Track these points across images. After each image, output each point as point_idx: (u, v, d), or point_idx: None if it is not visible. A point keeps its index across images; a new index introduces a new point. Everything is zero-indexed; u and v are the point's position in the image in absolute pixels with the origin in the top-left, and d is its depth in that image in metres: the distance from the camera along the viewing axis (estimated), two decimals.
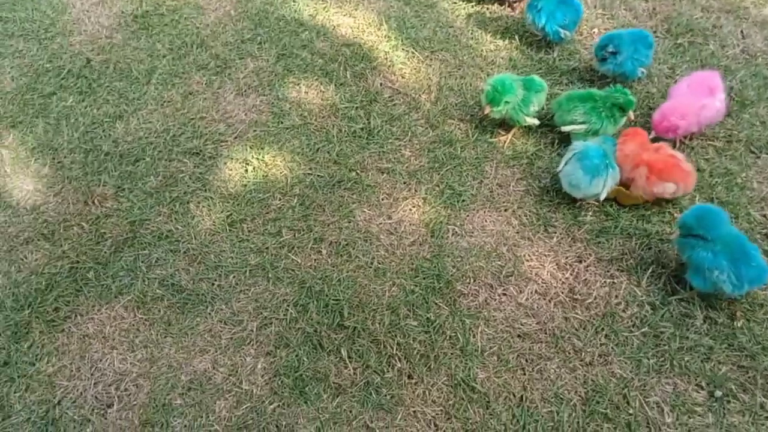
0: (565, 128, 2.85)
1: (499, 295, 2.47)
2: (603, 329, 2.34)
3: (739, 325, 2.33)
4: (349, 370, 2.27)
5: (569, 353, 2.29)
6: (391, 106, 3.19)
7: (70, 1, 3.93)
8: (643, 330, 2.32)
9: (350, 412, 2.17)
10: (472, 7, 3.67)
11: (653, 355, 2.27)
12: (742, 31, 3.50)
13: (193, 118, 3.17)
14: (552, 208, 2.73)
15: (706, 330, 2.32)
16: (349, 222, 2.72)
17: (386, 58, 3.44)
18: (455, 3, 3.71)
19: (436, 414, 2.16)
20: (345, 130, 3.09)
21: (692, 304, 2.38)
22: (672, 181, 2.53)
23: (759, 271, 2.20)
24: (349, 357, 2.30)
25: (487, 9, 3.66)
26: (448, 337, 2.34)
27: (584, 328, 2.35)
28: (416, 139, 3.04)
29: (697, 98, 2.78)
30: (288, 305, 2.45)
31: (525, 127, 3.00)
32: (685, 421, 2.11)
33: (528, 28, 3.51)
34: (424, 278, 2.52)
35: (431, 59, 3.42)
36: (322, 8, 3.75)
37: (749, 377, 2.20)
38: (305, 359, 2.29)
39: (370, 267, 2.56)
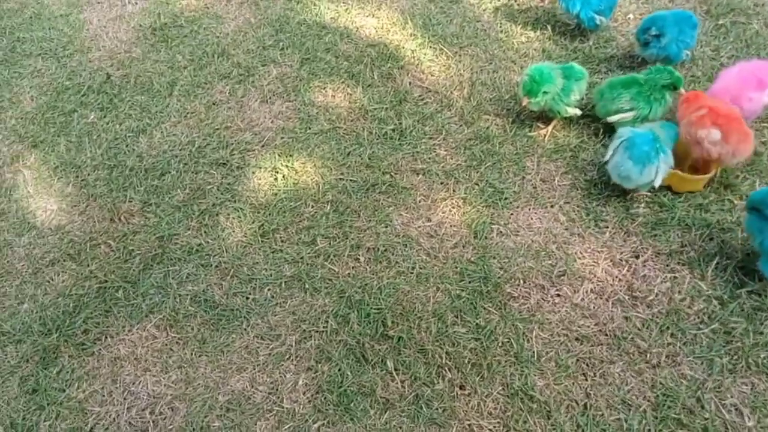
0: (612, 118, 2.72)
1: (552, 297, 2.33)
2: (668, 328, 2.19)
3: None
4: (396, 383, 2.15)
5: (633, 355, 2.14)
6: (422, 105, 3.09)
7: (87, 18, 3.91)
8: (712, 327, 2.17)
9: (400, 428, 2.05)
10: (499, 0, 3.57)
11: (726, 353, 2.11)
12: None
13: (218, 128, 3.11)
14: (601, 201, 2.59)
15: None
16: (386, 227, 2.61)
17: (413, 57, 3.34)
18: None
19: (493, 426, 2.03)
20: (376, 132, 2.99)
21: (764, 297, 2.22)
22: (721, 129, 2.36)
23: None
24: (396, 369, 2.18)
25: (515, 1, 3.55)
26: (500, 344, 2.21)
27: (647, 328, 2.20)
28: (451, 138, 2.93)
29: (745, 90, 2.63)
30: (327, 316, 2.34)
31: (566, 118, 2.88)
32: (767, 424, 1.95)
33: (561, 17, 3.40)
34: (470, 282, 2.40)
35: (460, 55, 3.32)
36: (344, 10, 3.68)
37: None
38: (349, 373, 2.18)
39: (412, 273, 2.45)
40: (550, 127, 2.89)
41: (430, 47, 3.39)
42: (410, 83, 3.22)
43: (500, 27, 3.47)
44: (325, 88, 3.24)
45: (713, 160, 2.44)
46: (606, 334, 2.21)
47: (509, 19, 3.50)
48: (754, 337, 2.14)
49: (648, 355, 2.14)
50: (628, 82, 2.71)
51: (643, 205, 2.57)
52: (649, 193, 2.58)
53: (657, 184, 2.44)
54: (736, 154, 2.42)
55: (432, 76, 3.25)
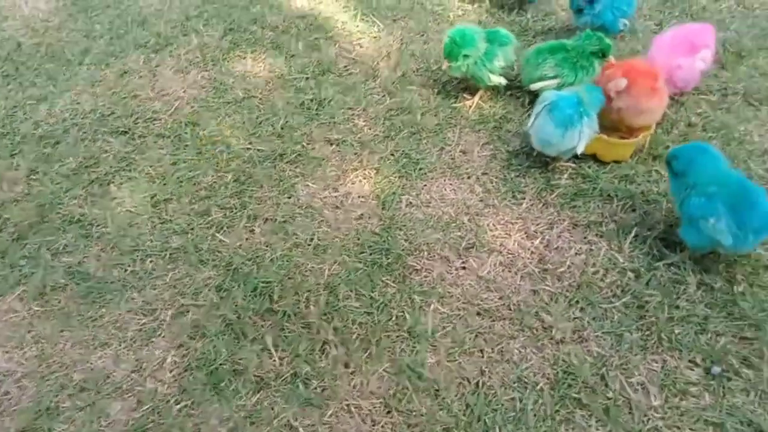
0: (534, 86, 2.57)
1: (456, 269, 2.16)
2: (578, 302, 2.02)
3: (740, 290, 1.99)
4: (274, 360, 1.96)
5: (537, 330, 1.96)
6: (345, 76, 2.94)
7: None
8: (624, 300, 1.99)
9: (272, 409, 1.86)
10: None
11: (637, 328, 1.93)
12: None
13: (125, 97, 2.94)
14: (521, 172, 2.43)
15: (700, 297, 1.99)
16: (290, 197, 2.44)
17: (343, 28, 3.20)
18: None
19: (374, 407, 1.84)
20: (293, 102, 2.83)
21: (684, 269, 2.05)
22: (628, 79, 2.26)
23: (766, 219, 1.87)
24: (276, 345, 1.99)
25: None
26: (394, 318, 2.03)
27: (555, 301, 2.02)
28: (372, 108, 2.77)
29: (674, 56, 2.48)
30: (210, 290, 2.15)
31: (492, 88, 2.72)
32: (677, 403, 1.77)
33: None
34: (371, 254, 2.22)
35: (393, 27, 3.17)
36: None
37: (753, 350, 1.85)
38: (224, 350, 1.99)
39: (309, 244, 2.27)
40: (476, 98, 2.73)
41: (363, 20, 3.24)
42: (336, 54, 3.07)
43: (438, 1, 3.33)
44: (245, 57, 3.09)
45: (621, 118, 2.31)
46: (510, 308, 2.03)
47: None
48: (669, 311, 1.96)
49: (552, 331, 1.96)
50: (554, 48, 2.57)
51: (565, 176, 2.40)
52: (572, 165, 2.42)
53: (580, 150, 2.28)
54: (640, 107, 2.28)
55: (361, 47, 3.10)
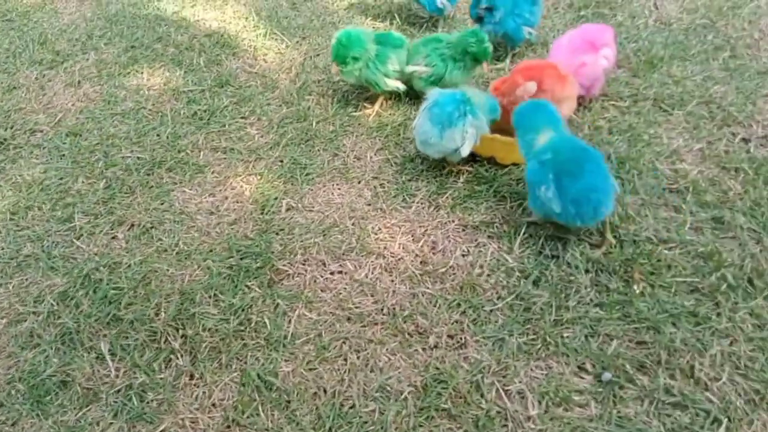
0: (408, 68, 2.47)
1: (331, 273, 1.96)
2: (459, 304, 1.82)
3: (638, 290, 1.81)
4: (109, 370, 1.72)
5: (410, 335, 1.75)
6: (244, 88, 2.81)
7: None
8: (508, 301, 1.80)
9: (97, 424, 1.60)
10: None
11: (522, 332, 1.73)
12: (655, 3, 3.19)
13: (9, 111, 2.78)
14: (414, 176, 2.28)
15: (593, 298, 1.80)
16: (162, 203, 2.25)
17: (249, 45, 3.10)
18: None
19: (214, 421, 1.59)
20: (184, 113, 2.69)
21: (576, 269, 1.87)
22: (534, 79, 2.12)
23: (588, 188, 1.79)
24: (113, 355, 1.75)
25: None
26: (252, 324, 1.81)
27: (434, 305, 1.82)
28: (266, 117, 2.63)
29: (576, 55, 2.40)
30: (52, 297, 1.92)
31: (391, 94, 2.60)
32: (559, 413, 1.55)
33: (416, 10, 3.21)
34: (241, 258, 2.02)
35: (301, 44, 3.08)
36: (189, 4, 3.46)
37: (650, 354, 1.67)
38: (55, 360, 1.75)
39: (174, 250, 2.07)
40: (375, 106, 2.61)
41: (271, 38, 3.16)
42: (237, 68, 2.96)
43: (350, 20, 3.27)
44: (142, 72, 2.96)
45: None
46: (384, 313, 1.83)
47: (361, 12, 3.32)
48: (558, 312, 1.77)
49: (428, 335, 1.75)
50: (430, 39, 2.54)
51: (462, 179, 2.25)
52: (470, 168, 2.27)
53: (465, 151, 2.13)
54: (557, 97, 2.16)
55: (265, 62, 2.99)
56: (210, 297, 1.91)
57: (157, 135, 2.58)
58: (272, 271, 1.98)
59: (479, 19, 2.76)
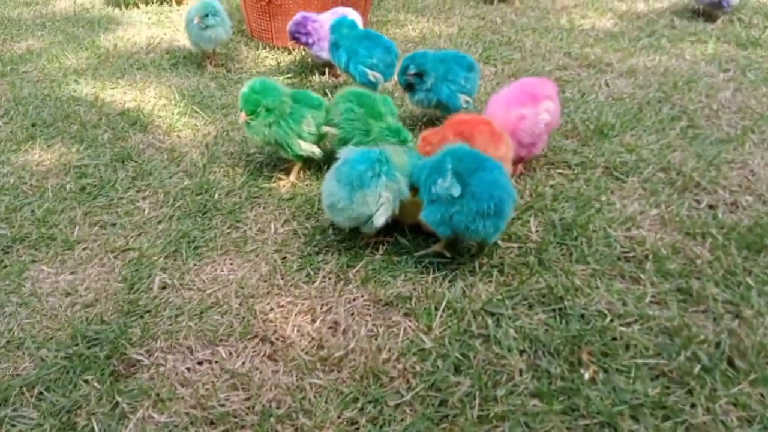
0: (324, 128, 2.19)
1: (198, 363, 1.55)
2: (356, 398, 1.41)
3: (587, 376, 1.42)
4: None
5: None
6: (147, 162, 2.52)
7: None
8: (419, 392, 1.40)
9: None
10: (290, 78, 3.22)
11: (429, 430, 1.31)
12: (606, 81, 3.05)
13: None
14: (324, 247, 1.94)
15: (529, 386, 1.41)
16: (9, 283, 1.86)
17: (163, 122, 2.86)
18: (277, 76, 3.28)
19: None
20: (69, 188, 2.37)
21: (509, 350, 1.49)
22: (464, 137, 1.87)
23: (490, 183, 1.65)
24: None
25: (310, 80, 3.21)
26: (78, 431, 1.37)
27: (324, 399, 1.41)
28: (162, 190, 2.31)
29: (514, 108, 2.17)
30: None
31: (307, 161, 2.32)
32: None
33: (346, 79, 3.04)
34: (88, 346, 1.61)
35: (221, 121, 2.84)
36: (110, 86, 3.26)
37: None
38: None
39: (3, 338, 1.65)
40: (291, 176, 2.32)
41: (190, 115, 2.92)
42: (144, 143, 2.69)
43: None
44: (35, 149, 2.67)
45: None
46: (256, 412, 1.40)
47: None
48: (483, 406, 1.37)
49: None
50: (362, 99, 2.19)
51: (381, 250, 1.91)
52: (389, 238, 1.93)
53: (379, 221, 1.79)
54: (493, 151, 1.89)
55: (178, 138, 2.73)
56: (32, 396, 1.48)
57: (31, 211, 2.24)
58: (121, 361, 1.56)
59: (409, 87, 2.54)
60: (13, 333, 1.68)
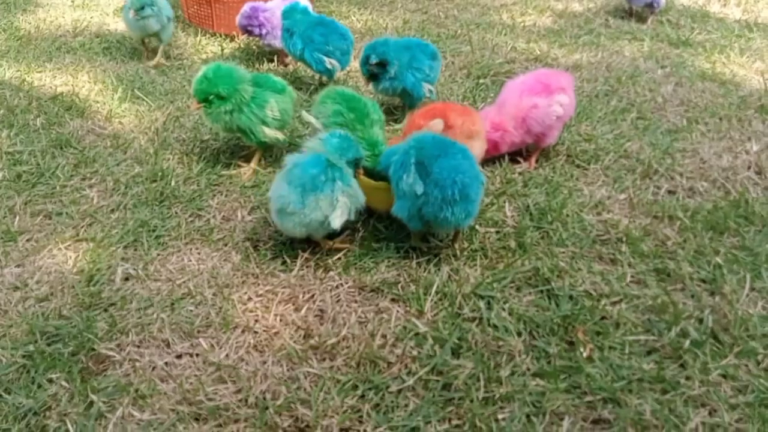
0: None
1: (177, 357, 1.45)
2: (356, 386, 1.35)
3: (585, 354, 1.42)
4: None
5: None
6: (88, 149, 2.34)
7: None
8: (421, 376, 1.36)
9: None
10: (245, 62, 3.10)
11: (443, 417, 1.28)
12: None
13: None
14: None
15: (530, 366, 1.40)
16: None
17: (102, 108, 2.67)
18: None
19: None
20: (3, 176, 2.16)
21: (505, 331, 1.47)
22: (442, 117, 1.84)
23: (452, 168, 1.61)
24: None
25: (257, 68, 3.09)
26: None
27: (321, 388, 1.34)
28: (111, 177, 2.16)
29: (527, 97, 2.18)
30: None
31: (269, 147, 2.22)
32: None
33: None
34: (48, 343, 1.47)
35: (166, 107, 2.69)
36: (36, 69, 3.02)
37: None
38: None
39: None
40: (252, 163, 2.22)
41: (131, 101, 2.74)
42: (83, 129, 2.50)
43: None
44: None
45: None
46: (250, 405, 1.32)
47: None
48: (487, 388, 1.34)
49: (312, 431, 1.25)
50: (351, 102, 2.02)
51: (357, 239, 1.85)
52: (359, 225, 1.88)
53: (336, 223, 1.67)
54: (468, 132, 1.91)
55: (120, 124, 2.56)
56: None
57: None
58: (90, 357, 1.44)
59: (372, 77, 2.49)
60: None
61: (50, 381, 1.37)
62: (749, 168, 2.27)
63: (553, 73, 2.30)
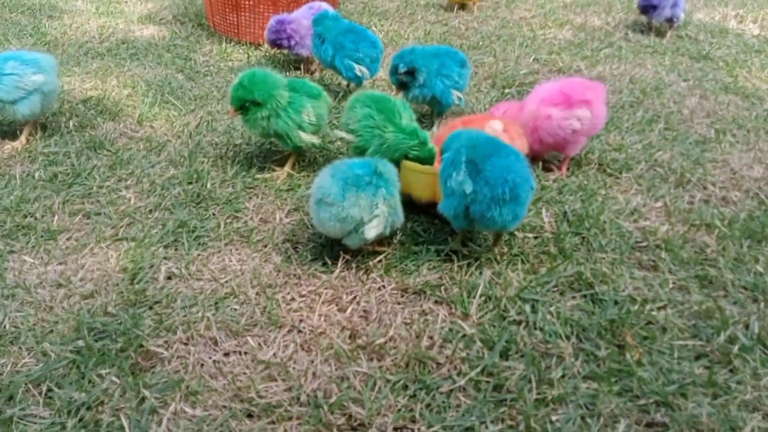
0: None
1: (224, 354, 1.44)
2: (406, 386, 1.34)
3: (634, 357, 1.42)
4: None
5: (341, 431, 1.23)
6: (122, 151, 2.35)
7: None
8: (472, 377, 1.35)
9: None
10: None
11: (496, 418, 1.27)
12: None
13: None
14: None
15: (581, 369, 1.39)
16: None
17: (133, 112, 2.69)
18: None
19: None
20: (39, 176, 2.17)
21: (553, 335, 1.46)
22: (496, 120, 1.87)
23: (504, 167, 1.60)
24: None
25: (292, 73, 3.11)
26: (103, 429, 1.23)
27: (372, 388, 1.34)
28: (147, 179, 2.16)
29: (544, 106, 2.17)
30: None
31: (302, 150, 2.23)
32: None
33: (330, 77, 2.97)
34: (96, 339, 1.46)
35: (197, 112, 2.70)
36: (64, 74, 3.04)
37: None
38: None
39: None
40: (286, 167, 2.22)
41: (161, 106, 2.76)
42: (115, 132, 2.51)
43: None
44: None
45: None
46: (302, 402, 1.31)
47: None
48: (539, 389, 1.33)
49: (366, 429, 1.24)
50: (382, 104, 2.02)
51: (395, 239, 1.85)
52: (400, 228, 1.88)
53: (371, 232, 1.64)
54: (514, 135, 1.90)
55: (151, 128, 2.57)
56: (40, 393, 1.32)
57: None
58: (139, 353, 1.43)
59: (402, 86, 2.51)
60: (4, 326, 1.50)
61: (100, 376, 1.37)
62: None
63: (581, 83, 2.22)
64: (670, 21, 3.88)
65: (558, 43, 3.75)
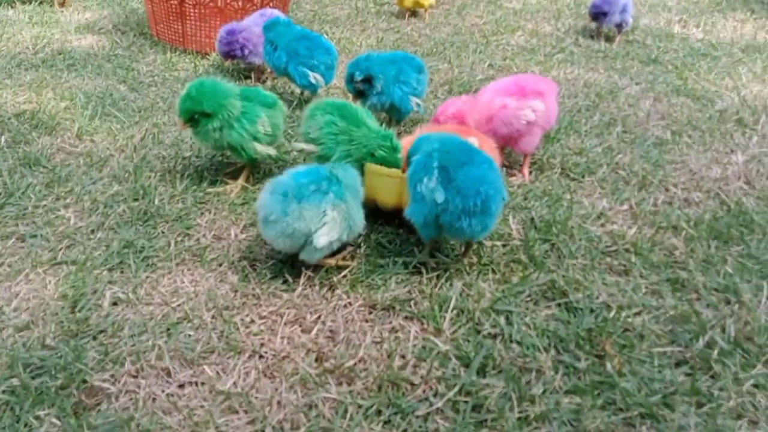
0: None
1: (179, 386, 1.31)
2: (380, 411, 1.25)
3: (615, 367, 1.36)
4: None
5: None
6: (62, 167, 2.19)
7: None
8: (450, 397, 1.26)
9: None
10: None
11: None
12: None
13: None
14: None
15: (561, 384, 1.32)
16: None
17: (71, 126, 2.52)
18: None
19: None
20: None
21: (531, 348, 1.39)
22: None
23: (477, 178, 1.53)
24: None
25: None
26: None
27: (343, 415, 1.23)
28: (89, 197, 2.01)
29: (498, 97, 2.14)
30: None
31: (257, 162, 2.12)
32: None
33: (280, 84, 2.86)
34: (33, 376, 1.31)
35: (142, 124, 2.55)
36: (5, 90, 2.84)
37: None
38: None
39: None
40: (240, 180, 2.10)
41: (102, 119, 2.60)
42: (52, 147, 2.34)
43: None
44: None
45: None
46: None
47: None
48: (521, 407, 1.25)
49: None
50: (344, 111, 1.94)
51: (359, 256, 1.75)
52: (363, 239, 1.79)
53: (321, 240, 1.55)
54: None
55: (92, 142, 2.41)
56: None
57: None
58: (82, 390, 1.29)
59: (359, 94, 2.42)
60: None
61: (38, 418, 1.22)
62: (739, 178, 2.28)
63: (534, 77, 2.27)
64: (619, 26, 3.93)
65: (511, 49, 3.74)
